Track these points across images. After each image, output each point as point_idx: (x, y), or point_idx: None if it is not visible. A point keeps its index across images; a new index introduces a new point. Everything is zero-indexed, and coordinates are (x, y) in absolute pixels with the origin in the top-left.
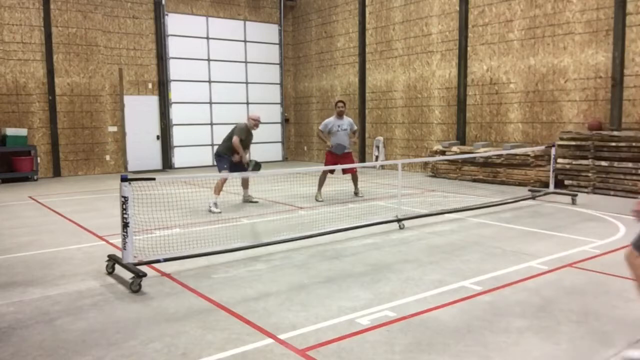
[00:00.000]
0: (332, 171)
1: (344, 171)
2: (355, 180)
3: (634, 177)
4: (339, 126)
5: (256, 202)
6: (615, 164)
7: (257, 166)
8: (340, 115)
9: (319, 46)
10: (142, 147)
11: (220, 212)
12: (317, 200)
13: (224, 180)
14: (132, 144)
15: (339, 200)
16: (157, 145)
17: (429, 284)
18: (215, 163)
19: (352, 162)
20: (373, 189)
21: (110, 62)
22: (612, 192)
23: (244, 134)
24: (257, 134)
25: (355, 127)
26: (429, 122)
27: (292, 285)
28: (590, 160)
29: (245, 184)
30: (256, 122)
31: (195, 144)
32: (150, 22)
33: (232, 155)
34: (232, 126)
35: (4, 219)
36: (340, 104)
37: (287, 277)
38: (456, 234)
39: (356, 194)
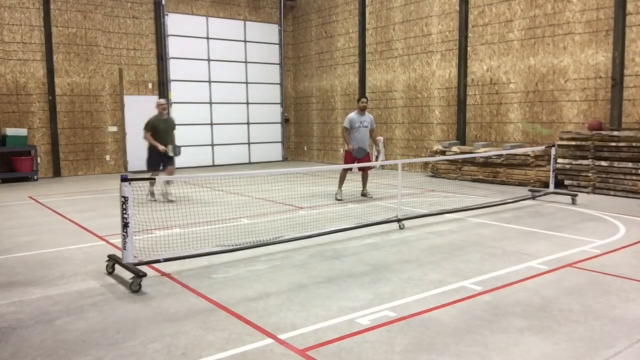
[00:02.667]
0: (350, 169)
1: (360, 168)
2: (365, 180)
3: (634, 177)
4: (361, 122)
5: (173, 200)
6: (615, 164)
7: (175, 149)
8: (362, 110)
9: (319, 46)
10: (142, 147)
11: (154, 200)
12: (336, 198)
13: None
14: (132, 144)
15: (339, 200)
16: None
17: (429, 284)
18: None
19: (369, 161)
20: (373, 189)
21: (110, 62)
22: (612, 192)
23: (151, 126)
24: (257, 134)
25: (374, 125)
26: (429, 122)
27: (292, 285)
28: (590, 160)
29: (169, 173)
30: (159, 107)
31: (195, 144)
32: (150, 22)
33: (155, 151)
34: (232, 126)
35: (4, 219)
36: (364, 99)
37: (287, 277)
38: (456, 234)
39: (364, 194)
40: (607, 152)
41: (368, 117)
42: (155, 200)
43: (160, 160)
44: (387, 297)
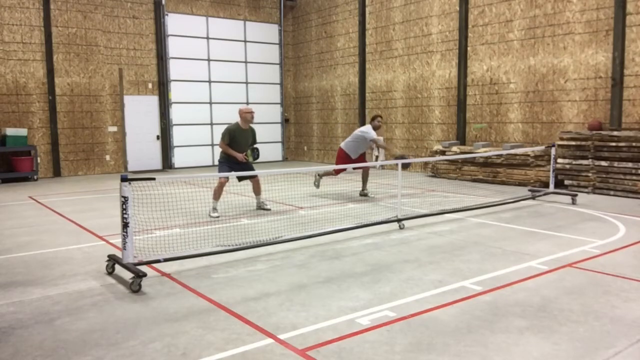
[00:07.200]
0: (343, 170)
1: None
2: (365, 179)
3: (634, 177)
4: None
5: (269, 209)
6: (615, 164)
7: (254, 152)
8: (376, 129)
9: (319, 46)
10: (142, 147)
11: (218, 217)
12: (314, 184)
13: (222, 185)
14: (132, 144)
15: (339, 201)
16: (157, 145)
17: (429, 284)
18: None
19: (363, 161)
20: (373, 188)
21: (110, 62)
22: (612, 192)
23: (228, 135)
24: (257, 134)
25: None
26: (429, 122)
27: (292, 285)
28: (590, 160)
29: (256, 189)
30: (245, 114)
31: (195, 144)
32: (150, 22)
33: (229, 160)
34: None
35: (4, 219)
36: (379, 119)
37: (287, 277)
38: (456, 234)
39: (364, 194)
40: (607, 152)
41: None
42: (218, 217)
43: (231, 168)
44: (387, 297)
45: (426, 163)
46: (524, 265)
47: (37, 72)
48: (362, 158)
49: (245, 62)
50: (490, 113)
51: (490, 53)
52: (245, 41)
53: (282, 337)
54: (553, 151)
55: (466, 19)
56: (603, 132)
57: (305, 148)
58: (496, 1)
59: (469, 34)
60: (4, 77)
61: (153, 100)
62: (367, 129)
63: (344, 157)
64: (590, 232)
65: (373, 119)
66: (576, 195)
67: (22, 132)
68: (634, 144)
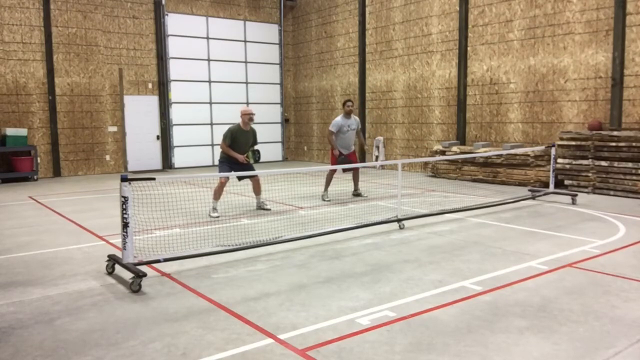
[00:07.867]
0: (336, 170)
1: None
2: (356, 179)
3: (634, 177)
4: (348, 126)
5: (269, 209)
6: (615, 164)
7: (255, 154)
8: (348, 114)
9: (319, 46)
10: (142, 147)
11: (218, 217)
12: (323, 199)
13: (222, 185)
14: (132, 144)
15: (339, 200)
16: (157, 145)
17: (429, 284)
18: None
19: (355, 159)
20: (373, 189)
21: (110, 62)
22: (612, 192)
23: (230, 137)
24: (257, 134)
25: (360, 125)
26: (429, 122)
27: (292, 285)
28: (590, 160)
29: (256, 189)
30: (242, 116)
31: (195, 144)
32: (150, 22)
33: (230, 160)
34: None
35: (4, 219)
36: (349, 103)
37: (287, 277)
38: (456, 234)
39: (357, 194)
40: (607, 152)
41: (354, 119)
42: (218, 217)
43: (231, 168)
44: (387, 297)
45: (426, 163)
46: (524, 265)
47: (37, 72)
48: (353, 154)
49: (245, 62)
50: (490, 113)
51: (490, 53)
52: (245, 41)
53: (282, 337)
54: (553, 151)
55: (466, 19)
56: (603, 132)
57: (305, 148)
58: (496, 1)
59: (469, 34)
60: (4, 77)
61: (153, 100)
62: (335, 119)
63: (336, 155)
64: (590, 232)
65: (343, 105)
66: (576, 195)
67: (22, 132)
68: (634, 144)
